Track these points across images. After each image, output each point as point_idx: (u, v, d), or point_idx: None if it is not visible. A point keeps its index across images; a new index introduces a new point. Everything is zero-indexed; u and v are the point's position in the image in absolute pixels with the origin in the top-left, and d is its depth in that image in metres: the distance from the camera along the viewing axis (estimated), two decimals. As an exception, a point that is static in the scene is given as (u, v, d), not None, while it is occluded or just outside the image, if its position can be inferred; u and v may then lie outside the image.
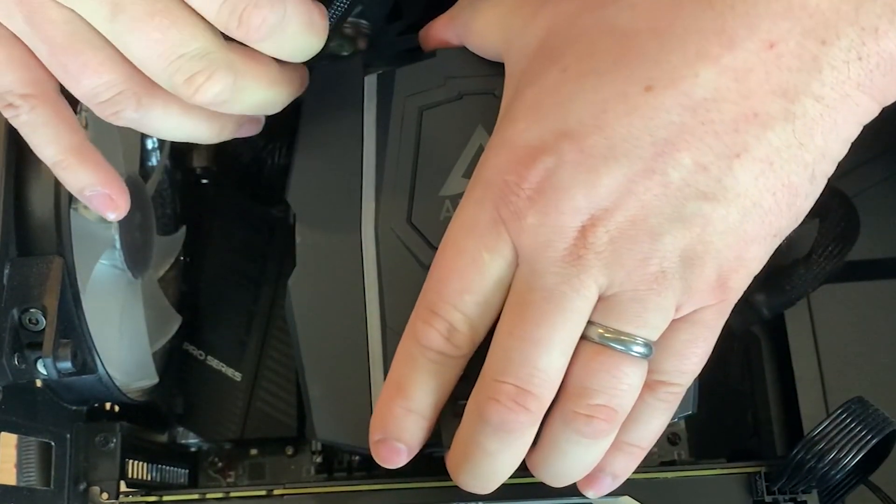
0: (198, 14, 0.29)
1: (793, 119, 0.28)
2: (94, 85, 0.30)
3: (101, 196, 0.33)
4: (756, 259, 0.30)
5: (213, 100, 0.30)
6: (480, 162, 0.32)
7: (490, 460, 0.32)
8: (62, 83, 0.31)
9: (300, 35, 0.31)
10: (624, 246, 0.29)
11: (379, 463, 0.33)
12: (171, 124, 0.32)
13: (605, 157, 0.28)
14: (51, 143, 0.33)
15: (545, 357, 0.30)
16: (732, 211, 0.28)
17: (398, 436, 0.33)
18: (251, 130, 0.36)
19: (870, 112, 0.29)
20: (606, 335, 0.30)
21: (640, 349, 0.30)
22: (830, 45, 0.27)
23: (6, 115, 0.32)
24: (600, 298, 0.30)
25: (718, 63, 0.27)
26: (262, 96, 0.32)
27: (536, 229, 0.29)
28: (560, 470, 0.32)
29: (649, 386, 0.31)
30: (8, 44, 0.31)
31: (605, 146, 0.28)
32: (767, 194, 0.29)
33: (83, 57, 0.30)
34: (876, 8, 0.27)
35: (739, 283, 0.30)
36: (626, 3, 0.29)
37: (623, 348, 0.30)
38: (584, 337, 0.30)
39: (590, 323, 0.30)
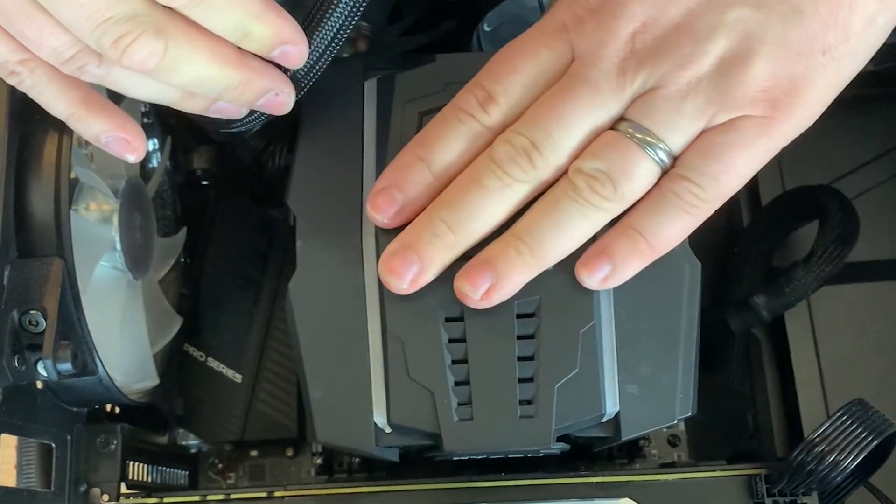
0: None
1: None
2: (54, 46, 0.31)
3: (117, 140, 0.34)
4: (806, 80, 0.30)
5: (143, 63, 0.30)
6: None
7: (478, 194, 0.32)
8: (30, 49, 0.32)
9: (229, 7, 0.30)
10: (666, 48, 0.31)
11: (370, 210, 0.34)
12: (134, 81, 0.32)
13: None
14: (59, 99, 0.33)
15: (562, 130, 0.32)
16: (773, 18, 0.30)
17: (400, 183, 0.33)
18: (228, 112, 0.35)
19: None
20: (631, 129, 0.31)
21: (660, 154, 0.31)
22: None
23: (12, 82, 0.33)
24: (637, 98, 0.31)
25: None
26: (202, 71, 0.31)
27: (594, 31, 0.32)
28: (552, 230, 0.32)
29: (671, 178, 0.32)
30: None
31: None
32: (807, 1, 0.30)
33: (36, 22, 0.30)
34: None
35: (789, 107, 0.31)
36: None
37: (643, 146, 0.31)
38: (612, 128, 0.32)
39: (622, 119, 0.32)
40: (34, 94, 0.33)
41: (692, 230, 0.33)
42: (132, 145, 0.34)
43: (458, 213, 0.33)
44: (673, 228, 0.32)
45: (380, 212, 0.34)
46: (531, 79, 0.33)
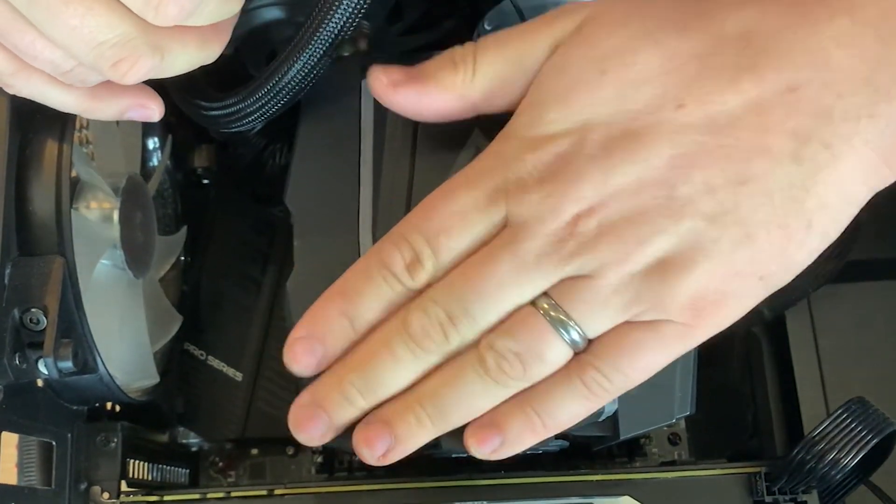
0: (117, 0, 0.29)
1: (801, 161, 0.29)
2: (49, 59, 0.31)
3: (136, 113, 0.35)
4: (736, 298, 0.30)
5: (143, 77, 0.31)
6: (501, 135, 0.32)
7: (389, 362, 0.31)
8: (25, 60, 0.32)
9: (218, 11, 0.31)
10: (608, 239, 0.29)
11: (286, 361, 0.33)
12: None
13: (623, 158, 0.29)
14: (65, 100, 0.34)
15: (482, 305, 0.30)
16: (725, 237, 0.29)
17: (321, 335, 0.32)
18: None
19: (879, 174, 0.29)
20: (548, 307, 0.30)
21: (575, 337, 0.30)
22: (844, 98, 0.28)
23: (10, 92, 0.33)
24: (566, 279, 0.30)
25: (746, 96, 0.29)
26: (194, 58, 0.33)
27: (535, 205, 0.30)
28: (454, 400, 0.31)
29: (580, 364, 0.31)
30: None
31: (628, 148, 0.29)
32: (762, 229, 0.29)
33: (29, 35, 0.30)
34: (891, 72, 0.28)
35: (712, 319, 0.30)
36: (674, 23, 0.30)
37: (558, 327, 0.30)
38: (530, 302, 0.30)
39: (543, 294, 0.30)
40: (37, 99, 0.34)
41: (590, 413, 0.32)
42: (150, 108, 0.35)
43: (368, 379, 0.32)
44: (571, 412, 0.31)
45: (298, 363, 0.32)
46: (460, 244, 0.31)
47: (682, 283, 0.29)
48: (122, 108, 0.35)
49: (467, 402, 0.31)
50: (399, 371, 0.31)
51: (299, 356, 0.32)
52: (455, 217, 0.31)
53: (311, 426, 0.33)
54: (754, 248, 0.29)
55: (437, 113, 0.33)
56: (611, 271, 0.29)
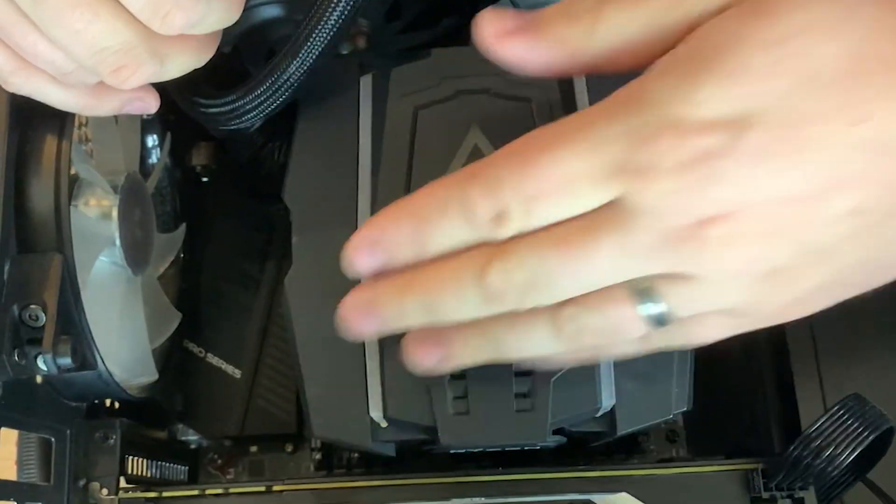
0: (123, 6, 0.29)
1: None
2: (51, 59, 0.31)
3: (134, 108, 0.35)
4: (814, 308, 0.29)
5: (143, 83, 0.32)
6: (633, 93, 0.27)
7: (455, 305, 0.29)
8: (27, 59, 0.32)
9: (222, 19, 0.32)
10: (734, 254, 0.26)
11: (345, 259, 0.30)
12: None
13: (779, 168, 0.25)
14: (65, 98, 0.34)
15: (570, 279, 0.27)
16: (856, 266, 0.27)
17: (389, 245, 0.29)
18: None
19: None
20: (645, 299, 0.27)
21: (662, 322, 0.28)
22: None
23: (10, 90, 0.33)
24: (672, 273, 0.27)
25: None
26: (191, 63, 0.33)
27: (662, 198, 0.26)
28: (513, 345, 0.30)
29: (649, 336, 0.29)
30: None
31: (789, 157, 0.25)
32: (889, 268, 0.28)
33: (32, 36, 0.30)
34: None
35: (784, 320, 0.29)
36: (870, 16, 0.26)
37: (650, 318, 0.28)
38: (625, 283, 0.27)
39: (642, 277, 0.27)
40: (36, 97, 0.34)
41: None
42: (147, 101, 0.35)
43: (431, 305, 0.29)
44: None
45: (360, 263, 0.30)
46: (559, 213, 0.27)
47: (786, 294, 0.28)
48: (120, 103, 0.35)
49: (530, 350, 0.30)
50: (463, 309, 0.29)
51: (363, 256, 0.30)
52: (559, 184, 0.27)
53: (361, 324, 0.31)
54: (871, 282, 0.28)
55: (543, 69, 0.30)
56: (727, 283, 0.27)
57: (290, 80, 0.36)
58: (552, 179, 0.27)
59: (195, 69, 0.34)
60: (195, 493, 0.39)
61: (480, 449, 0.39)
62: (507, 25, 0.29)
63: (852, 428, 0.34)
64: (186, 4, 0.30)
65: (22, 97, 0.34)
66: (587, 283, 0.28)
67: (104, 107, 0.35)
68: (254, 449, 0.49)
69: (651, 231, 0.26)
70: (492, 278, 0.28)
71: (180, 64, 0.33)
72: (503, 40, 0.29)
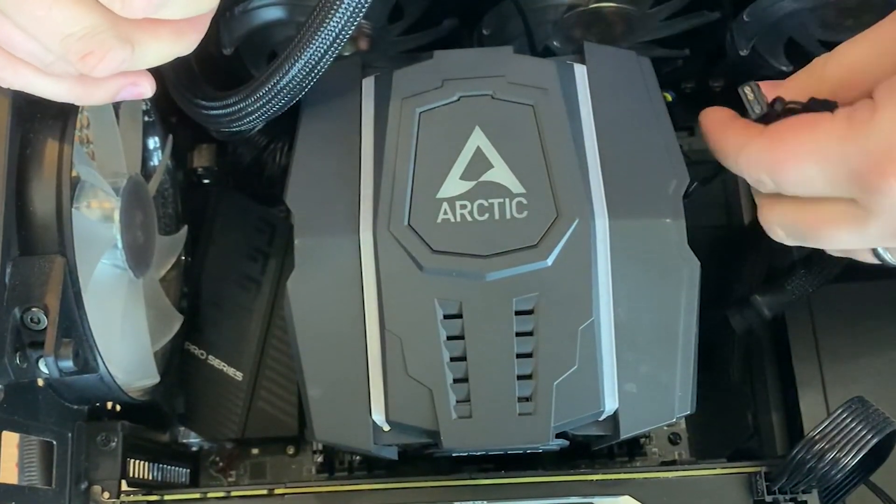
0: None
1: None
2: (30, 50, 0.31)
3: (127, 94, 0.34)
4: None
5: (114, 70, 0.30)
6: (872, 111, 0.31)
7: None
8: (8, 51, 0.31)
9: (189, 4, 0.31)
10: None
11: None
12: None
13: None
14: (55, 89, 0.33)
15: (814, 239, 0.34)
16: None
17: None
18: None
19: None
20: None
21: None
22: None
23: (4, 85, 0.33)
24: None
25: None
26: (167, 50, 0.32)
27: (892, 206, 0.31)
28: None
29: None
30: None
31: None
32: None
33: (6, 26, 0.30)
34: None
35: None
36: None
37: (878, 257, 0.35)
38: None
39: None
40: (29, 91, 0.33)
41: None
42: (141, 86, 0.34)
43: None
44: None
45: None
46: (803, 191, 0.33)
47: None
48: (113, 90, 0.34)
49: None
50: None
51: None
52: (801, 184, 0.32)
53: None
54: None
55: (796, 89, 0.34)
56: None
57: (292, 82, 0.36)
58: (797, 184, 0.32)
59: (200, 67, 0.33)
60: (197, 496, 0.39)
61: (483, 452, 0.39)
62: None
63: (856, 431, 0.34)
64: None
65: (23, 99, 0.34)
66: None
67: (97, 95, 0.34)
68: (255, 451, 0.49)
69: (888, 225, 0.31)
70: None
71: (156, 51, 0.32)
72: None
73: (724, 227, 0.50)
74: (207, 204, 0.51)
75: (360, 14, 0.35)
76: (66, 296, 0.34)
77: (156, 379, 0.44)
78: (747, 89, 0.34)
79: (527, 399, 0.34)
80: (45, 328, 0.33)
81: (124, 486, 0.39)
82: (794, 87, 0.35)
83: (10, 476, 0.39)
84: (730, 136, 0.35)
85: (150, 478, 0.43)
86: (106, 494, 0.38)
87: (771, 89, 0.35)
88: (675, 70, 0.48)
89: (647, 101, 0.38)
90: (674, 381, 0.35)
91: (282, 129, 0.42)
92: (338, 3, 0.34)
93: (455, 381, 0.34)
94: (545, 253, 0.35)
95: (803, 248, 0.42)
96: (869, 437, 0.34)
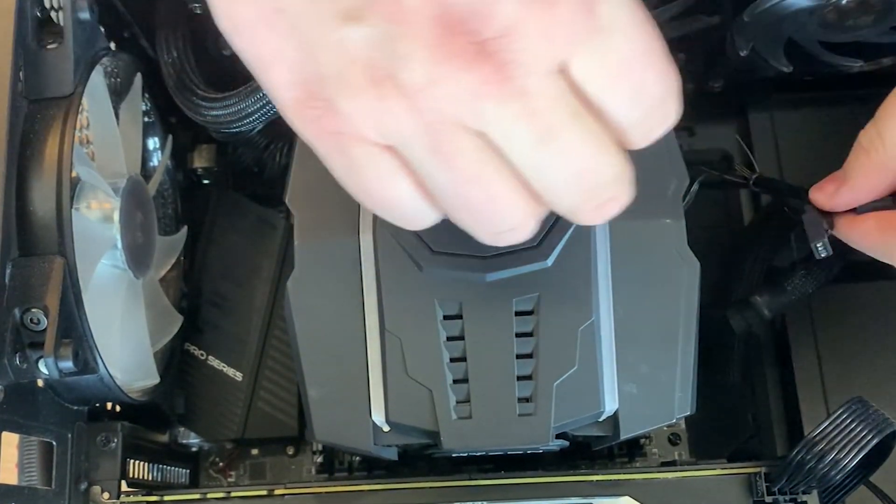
0: (611, 129, 0.26)
1: None
2: (499, 221, 0.27)
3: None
4: None
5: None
6: None
7: None
8: (452, 215, 0.28)
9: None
10: None
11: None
12: None
13: None
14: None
15: None
16: None
17: None
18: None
19: None
20: None
21: None
22: None
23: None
24: None
25: None
26: None
27: None
28: None
29: None
30: (392, 173, 0.27)
31: None
32: None
33: (491, 189, 0.26)
34: None
35: None
36: None
37: None
38: None
39: None
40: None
41: None
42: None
43: None
44: None
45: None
46: None
47: None
48: None
49: None
50: None
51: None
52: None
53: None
54: None
55: (871, 191, 0.36)
56: None
57: (292, 83, 0.36)
58: None
59: (200, 68, 0.33)
60: (196, 496, 0.39)
61: (482, 453, 0.39)
62: (828, 188, 0.37)
63: (856, 431, 0.34)
64: (667, 97, 0.26)
65: (22, 99, 0.34)
66: None
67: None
68: (255, 452, 0.49)
69: None
70: None
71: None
72: (833, 199, 0.37)
73: (724, 227, 0.50)
74: (207, 204, 0.51)
75: None
76: (66, 296, 0.34)
77: (156, 379, 0.44)
78: None
79: (527, 400, 0.34)
80: (45, 329, 0.33)
81: (124, 487, 0.39)
82: (865, 185, 0.36)
83: (10, 476, 0.39)
84: None
85: (150, 478, 0.43)
86: (106, 495, 0.38)
87: (844, 193, 0.36)
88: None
89: None
90: (674, 382, 0.35)
91: (282, 129, 0.42)
92: None
93: (455, 381, 0.35)
94: (545, 253, 0.35)
95: (803, 248, 0.42)
96: (869, 437, 0.34)
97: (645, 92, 0.26)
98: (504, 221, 0.27)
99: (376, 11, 0.24)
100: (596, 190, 0.26)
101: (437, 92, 0.24)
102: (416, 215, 0.28)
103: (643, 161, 0.37)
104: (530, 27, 0.24)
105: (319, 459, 0.46)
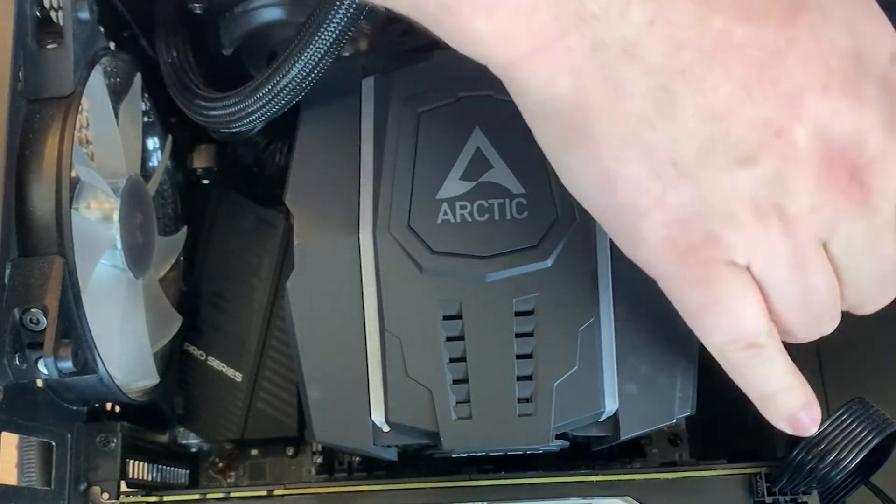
0: None
1: None
2: (829, 320, 0.31)
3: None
4: None
5: None
6: None
7: None
8: (786, 320, 0.31)
9: None
10: None
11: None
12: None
13: None
14: (777, 374, 0.33)
15: None
16: None
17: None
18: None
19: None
20: None
21: None
22: None
23: (742, 354, 0.31)
24: None
25: None
26: None
27: None
28: None
29: None
30: (746, 289, 0.29)
31: None
32: None
33: (827, 293, 0.30)
34: None
35: None
36: None
37: None
38: None
39: None
40: (754, 364, 0.32)
41: None
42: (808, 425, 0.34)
43: None
44: None
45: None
46: None
47: None
48: (803, 400, 0.34)
49: None
50: None
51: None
52: None
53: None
54: None
55: None
56: None
57: (292, 83, 0.36)
58: None
59: (191, 66, 0.33)
60: (196, 497, 0.39)
61: (483, 453, 0.39)
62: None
63: (856, 432, 0.34)
64: None
65: (22, 98, 0.34)
66: None
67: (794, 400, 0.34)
68: (255, 452, 0.49)
69: None
70: None
71: None
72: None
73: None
74: (207, 204, 0.51)
75: (360, 15, 0.35)
76: (66, 296, 0.34)
77: (155, 380, 0.44)
78: None
79: (527, 400, 0.34)
80: (45, 329, 0.33)
81: (123, 487, 0.39)
82: None
83: (10, 477, 0.39)
84: None
85: (150, 479, 0.42)
86: (105, 495, 0.38)
87: None
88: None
89: None
90: (674, 382, 0.35)
91: (282, 129, 0.42)
92: (338, 3, 0.34)
93: (455, 381, 0.35)
94: (545, 254, 0.35)
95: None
96: (869, 438, 0.34)
97: None
98: (834, 318, 0.31)
99: (771, 154, 0.27)
100: (891, 286, 0.31)
101: (817, 216, 0.28)
102: (754, 329, 0.30)
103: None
104: (889, 154, 0.27)
105: (319, 460, 0.46)
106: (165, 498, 0.39)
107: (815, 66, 0.26)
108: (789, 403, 0.33)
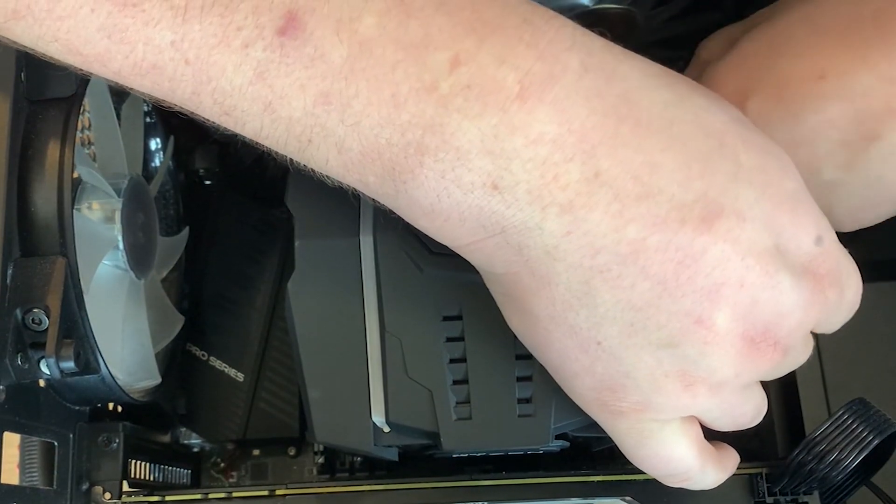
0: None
1: None
2: (751, 420, 0.34)
3: None
4: None
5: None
6: None
7: None
8: (724, 428, 0.33)
9: None
10: None
11: None
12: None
13: None
14: (707, 482, 0.35)
15: None
16: None
17: None
18: None
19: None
20: None
21: None
22: None
23: (676, 482, 0.34)
24: None
25: None
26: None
27: None
28: None
29: None
30: (679, 435, 0.32)
31: None
32: None
33: (750, 408, 0.33)
34: None
35: None
36: None
37: None
38: None
39: None
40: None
41: None
42: None
43: None
44: None
45: None
46: None
47: None
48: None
49: None
50: None
51: None
52: None
53: None
54: None
55: None
56: None
57: (293, 83, 0.36)
58: None
59: None
60: (198, 496, 0.39)
61: (483, 453, 0.39)
62: None
63: (857, 432, 0.34)
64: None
65: (24, 99, 0.34)
66: None
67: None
68: (256, 452, 0.49)
69: None
70: None
71: None
72: None
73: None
74: (209, 205, 0.51)
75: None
76: (68, 297, 0.34)
77: (157, 380, 0.44)
78: None
79: (527, 401, 0.34)
80: (47, 329, 0.33)
81: (126, 487, 0.39)
82: None
83: (12, 477, 0.39)
84: None
85: (152, 478, 0.43)
86: (107, 495, 0.38)
87: None
88: (677, 71, 0.47)
89: None
90: (674, 383, 0.35)
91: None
92: None
93: (455, 382, 0.35)
94: (545, 254, 0.35)
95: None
96: (870, 438, 0.34)
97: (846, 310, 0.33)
98: (756, 418, 0.34)
99: (692, 340, 0.29)
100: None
101: (741, 379, 0.30)
102: (686, 468, 0.33)
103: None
104: (806, 323, 0.30)
105: (321, 460, 0.46)
106: (167, 498, 0.39)
107: (732, 266, 0.28)
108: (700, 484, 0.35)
